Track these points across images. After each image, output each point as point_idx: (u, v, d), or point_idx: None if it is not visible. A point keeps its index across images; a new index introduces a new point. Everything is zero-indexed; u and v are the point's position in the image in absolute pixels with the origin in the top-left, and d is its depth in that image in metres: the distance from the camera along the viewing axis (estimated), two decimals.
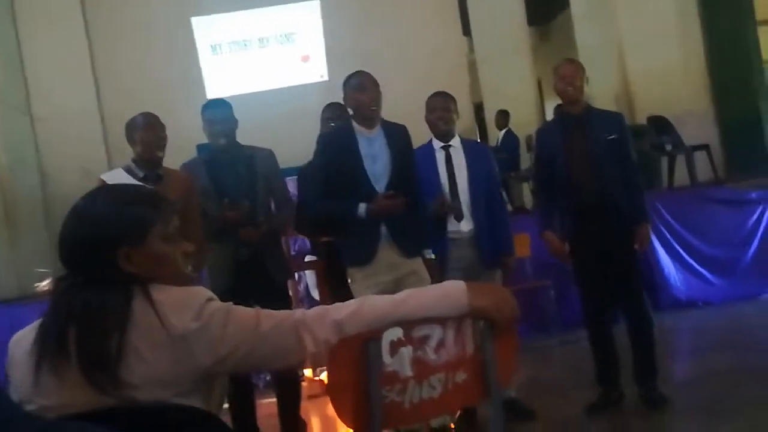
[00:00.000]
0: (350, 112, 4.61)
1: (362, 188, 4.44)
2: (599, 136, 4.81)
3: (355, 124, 4.55)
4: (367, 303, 1.84)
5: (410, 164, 4.65)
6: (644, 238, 4.86)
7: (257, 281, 4.58)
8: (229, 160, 4.74)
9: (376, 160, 4.50)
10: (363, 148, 4.50)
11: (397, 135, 4.60)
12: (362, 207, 4.39)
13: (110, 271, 1.75)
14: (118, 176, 4.39)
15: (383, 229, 4.45)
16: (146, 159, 4.43)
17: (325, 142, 4.67)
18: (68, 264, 1.78)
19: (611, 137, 4.80)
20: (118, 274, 1.75)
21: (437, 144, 4.94)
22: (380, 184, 4.47)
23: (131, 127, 4.50)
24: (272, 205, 4.87)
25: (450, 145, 4.94)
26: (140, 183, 4.21)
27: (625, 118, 5.37)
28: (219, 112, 4.75)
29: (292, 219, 5.04)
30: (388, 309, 1.81)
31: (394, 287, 4.21)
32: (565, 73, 4.88)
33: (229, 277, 4.61)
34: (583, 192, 4.81)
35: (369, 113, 4.50)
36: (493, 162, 5.18)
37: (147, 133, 4.44)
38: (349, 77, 4.58)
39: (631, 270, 4.86)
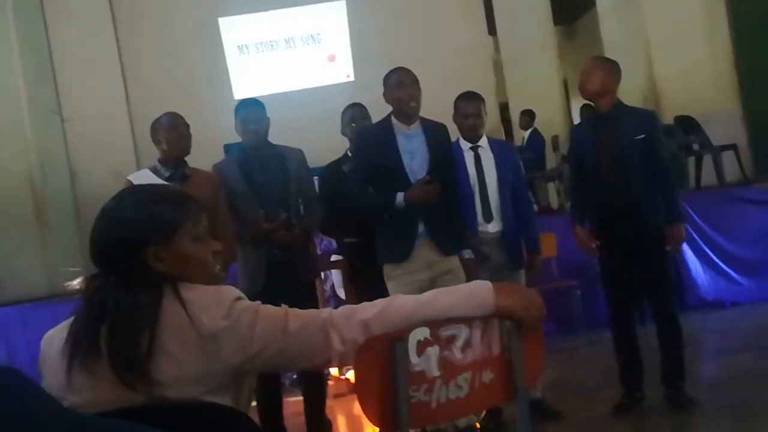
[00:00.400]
0: (390, 108, 4.63)
1: (400, 183, 4.46)
2: (627, 135, 4.73)
3: (394, 120, 4.58)
4: (394, 303, 1.85)
5: (449, 163, 4.67)
6: (676, 239, 4.78)
7: (287, 281, 4.61)
8: (262, 159, 4.77)
9: (414, 156, 4.52)
10: (401, 144, 4.52)
11: (436, 132, 4.62)
12: (400, 196, 4.41)
13: (140, 270, 1.78)
14: (145, 176, 4.43)
15: (421, 227, 4.47)
16: (171, 158, 4.48)
17: (364, 137, 4.69)
18: (99, 263, 1.81)
19: (640, 137, 4.72)
20: (148, 273, 1.77)
21: (465, 145, 4.95)
22: (419, 177, 4.48)
23: (156, 128, 4.55)
24: (301, 206, 4.90)
25: (479, 146, 4.94)
26: (166, 183, 4.25)
27: (658, 116, 5.29)
28: (253, 111, 4.78)
29: (321, 219, 5.07)
30: (415, 309, 1.82)
31: (430, 285, 4.22)
32: (584, 68, 4.85)
33: (262, 279, 4.65)
34: (608, 192, 4.77)
35: (408, 109, 4.52)
36: (519, 161, 5.19)
37: (171, 133, 4.49)
38: (389, 74, 4.60)
39: (660, 272, 4.79)
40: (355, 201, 4.65)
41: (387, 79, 4.60)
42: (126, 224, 1.80)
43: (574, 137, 5.17)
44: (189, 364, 1.69)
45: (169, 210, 1.85)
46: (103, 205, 1.86)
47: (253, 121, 4.76)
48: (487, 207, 4.87)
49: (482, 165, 4.91)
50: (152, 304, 1.71)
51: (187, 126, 4.59)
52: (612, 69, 4.85)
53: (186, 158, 4.57)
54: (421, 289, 3.88)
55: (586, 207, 4.95)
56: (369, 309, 1.81)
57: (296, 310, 1.81)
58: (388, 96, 4.58)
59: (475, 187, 4.88)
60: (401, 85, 4.51)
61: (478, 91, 5.04)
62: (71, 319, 1.78)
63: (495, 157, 4.94)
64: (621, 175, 4.74)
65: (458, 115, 4.94)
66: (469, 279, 4.47)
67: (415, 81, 4.54)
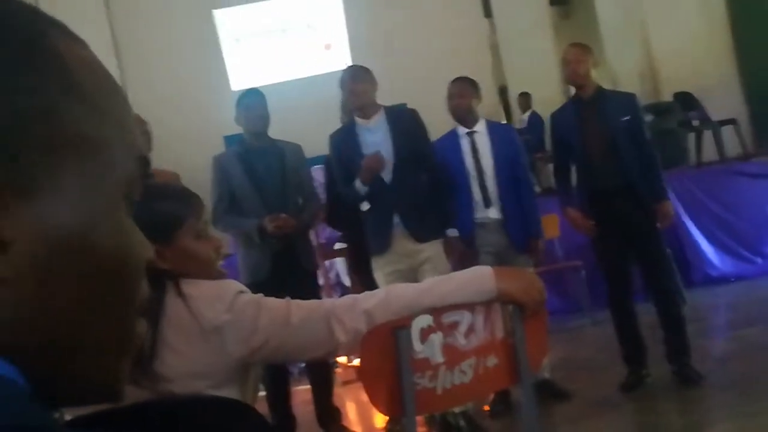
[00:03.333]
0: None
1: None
2: (613, 118, 4.82)
3: (356, 117, 4.70)
4: (395, 291, 1.86)
5: (419, 145, 4.70)
6: (666, 216, 4.85)
7: (290, 272, 4.62)
8: (262, 153, 4.78)
9: (378, 148, 4.57)
10: (365, 138, 4.61)
11: (400, 119, 4.70)
12: (357, 181, 4.53)
13: None
14: None
15: (396, 218, 4.53)
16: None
17: (333, 140, 4.82)
18: None
19: (625, 119, 4.82)
20: (151, 271, 1.77)
21: (462, 130, 4.96)
22: (385, 171, 4.56)
23: None
24: (299, 199, 4.91)
25: (474, 131, 4.95)
26: None
27: (639, 98, 5.36)
28: (257, 100, 4.80)
29: (319, 213, 5.10)
30: (416, 296, 1.83)
31: (411, 275, 4.36)
32: (568, 58, 4.93)
33: (265, 270, 4.65)
34: (600, 174, 4.83)
35: (353, 104, 4.67)
36: (519, 144, 5.20)
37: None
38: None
39: (655, 250, 4.86)
40: (342, 197, 4.80)
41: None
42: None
43: (555, 123, 5.20)
44: (193, 359, 1.70)
45: (171, 208, 1.85)
46: None
47: (258, 108, 4.77)
48: (485, 193, 4.88)
49: (478, 151, 4.91)
50: (154, 301, 1.71)
51: (145, 122, 4.52)
52: (593, 55, 4.97)
53: (183, 148, 4.57)
54: (402, 279, 3.99)
55: (572, 188, 5.04)
56: (371, 298, 1.82)
57: (298, 301, 1.82)
58: (342, 96, 4.77)
59: (473, 173, 4.88)
60: (343, 83, 4.67)
61: (476, 74, 5.06)
62: None
63: (492, 141, 4.94)
64: (613, 156, 4.80)
65: (447, 98, 4.98)
66: (455, 260, 4.54)
67: (357, 75, 4.66)
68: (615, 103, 4.92)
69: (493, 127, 5.07)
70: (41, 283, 0.54)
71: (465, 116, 4.94)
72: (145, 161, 0.64)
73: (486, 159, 4.91)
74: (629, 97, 5.16)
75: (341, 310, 1.79)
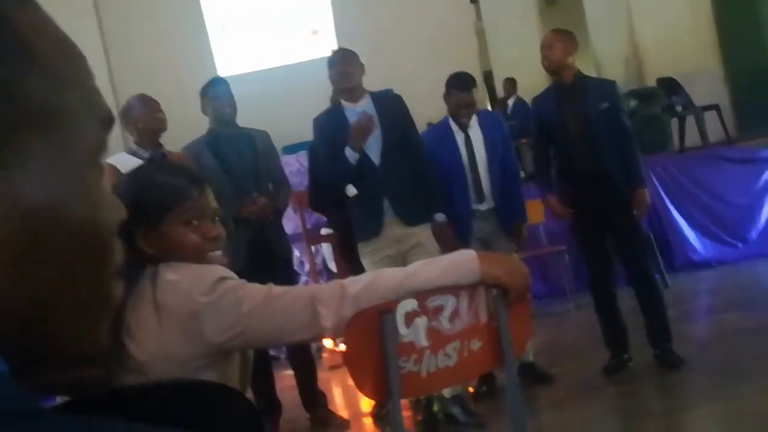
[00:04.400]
0: None
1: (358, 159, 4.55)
2: (592, 105, 4.84)
3: (342, 100, 4.71)
4: (381, 275, 1.87)
5: (408, 131, 4.73)
6: (642, 204, 4.87)
7: (266, 261, 4.62)
8: (232, 140, 4.79)
9: None
10: (352, 120, 4.57)
11: (387, 104, 4.72)
12: (347, 149, 4.48)
13: (127, 251, 1.79)
14: (124, 159, 4.43)
15: (386, 203, 4.54)
16: (148, 137, 4.51)
17: (318, 123, 4.80)
18: None
19: (604, 106, 4.83)
20: (134, 254, 1.77)
21: (455, 125, 4.97)
22: (374, 155, 4.57)
23: (128, 111, 4.57)
24: (270, 186, 4.92)
25: (469, 126, 4.96)
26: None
27: (620, 86, 5.40)
28: (225, 89, 4.83)
29: (289, 199, 5.13)
30: (402, 280, 1.84)
31: (400, 260, 4.34)
32: (542, 43, 4.97)
33: (242, 258, 4.65)
34: (578, 160, 4.86)
35: (339, 86, 4.69)
36: (505, 129, 5.25)
37: (146, 111, 4.56)
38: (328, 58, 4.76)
39: (632, 236, 4.90)
40: (327, 177, 4.77)
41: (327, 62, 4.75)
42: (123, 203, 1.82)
43: (536, 108, 5.24)
44: (169, 344, 1.71)
45: (160, 194, 1.85)
46: None
47: (229, 96, 4.81)
48: (479, 188, 4.91)
49: (473, 146, 4.93)
50: (130, 283, 1.70)
51: (158, 103, 4.61)
52: (570, 40, 4.94)
53: (170, 136, 4.58)
54: (391, 264, 3.99)
55: (553, 175, 5.06)
56: (356, 283, 1.82)
57: (282, 287, 1.82)
58: (330, 79, 4.75)
59: (467, 168, 4.91)
60: (331, 65, 4.66)
61: (462, 60, 5.09)
62: None
63: (484, 134, 4.96)
64: (590, 143, 4.82)
65: (450, 101, 4.95)
66: (441, 244, 4.56)
67: (346, 57, 4.68)
68: (594, 90, 4.93)
69: (483, 117, 5.09)
70: (16, 255, 0.55)
71: (468, 117, 4.95)
72: (111, 119, 0.63)
73: (480, 154, 4.92)
74: (609, 85, 5.19)
75: (326, 295, 1.79)
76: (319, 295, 1.79)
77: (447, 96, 4.96)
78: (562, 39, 4.91)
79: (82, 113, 0.60)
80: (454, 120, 4.97)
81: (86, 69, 0.62)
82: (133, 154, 4.48)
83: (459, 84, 4.93)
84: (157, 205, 1.83)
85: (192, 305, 1.72)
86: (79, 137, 0.59)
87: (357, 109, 4.61)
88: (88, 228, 0.59)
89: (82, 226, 0.58)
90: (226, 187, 4.67)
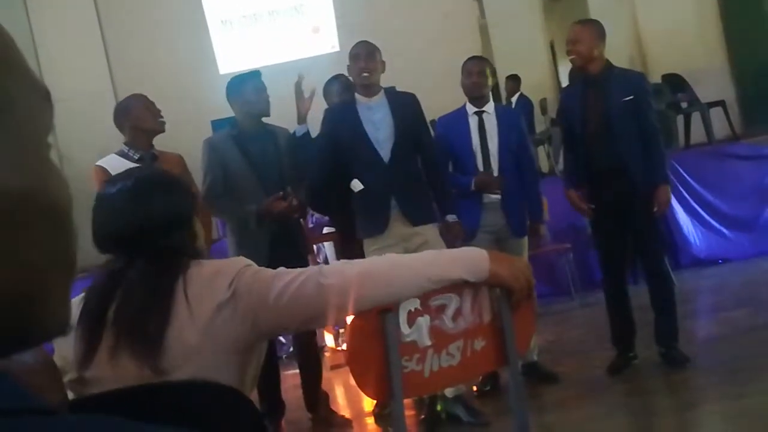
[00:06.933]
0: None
1: (366, 155, 4.52)
2: (615, 97, 4.74)
3: (357, 94, 4.65)
4: (390, 257, 1.90)
5: (421, 131, 4.70)
6: (663, 201, 4.77)
7: (287, 257, 4.57)
8: (256, 135, 4.72)
9: (378, 127, 4.55)
10: (365, 115, 4.56)
11: (401, 102, 4.66)
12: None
13: (167, 249, 1.81)
14: (114, 161, 4.40)
15: (393, 200, 4.49)
16: (145, 137, 4.49)
17: (328, 115, 4.74)
18: (122, 246, 1.82)
19: (627, 98, 4.71)
20: (167, 252, 1.81)
21: (470, 109, 4.95)
22: (384, 150, 4.52)
23: (124, 110, 4.54)
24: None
25: (483, 111, 4.94)
26: (137, 165, 4.22)
27: (646, 78, 5.29)
28: (262, 83, 4.75)
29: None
30: (410, 262, 1.85)
31: None
32: (569, 37, 4.85)
33: (265, 252, 4.58)
34: (597, 154, 4.79)
35: (360, 80, 4.59)
36: (524, 128, 5.19)
37: (145, 110, 4.52)
38: (351, 48, 4.68)
39: (650, 232, 4.82)
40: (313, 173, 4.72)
41: (349, 53, 4.68)
42: (170, 204, 1.85)
43: (563, 100, 5.18)
44: (196, 338, 1.70)
45: (185, 196, 1.92)
46: (117, 190, 1.84)
47: (265, 90, 4.74)
48: (489, 172, 4.87)
49: (486, 130, 4.91)
50: (164, 284, 1.74)
51: (154, 104, 4.58)
52: (597, 31, 4.82)
53: (172, 133, 4.55)
54: None
55: (578, 169, 4.96)
56: (361, 263, 1.84)
57: (290, 269, 1.81)
58: (349, 70, 4.68)
59: (478, 151, 4.88)
60: (356, 58, 4.60)
61: (464, 57, 5.06)
62: (83, 296, 1.79)
63: (499, 123, 4.93)
64: (608, 137, 4.74)
65: (464, 76, 4.94)
66: (449, 242, 4.52)
67: (371, 52, 4.60)
68: (620, 82, 4.79)
69: (500, 110, 5.08)
70: None
71: (480, 95, 4.92)
72: (50, 95, 0.64)
73: (492, 139, 4.90)
74: (636, 77, 5.04)
75: (331, 272, 1.78)
76: (323, 272, 1.78)
77: (462, 77, 4.95)
78: (587, 30, 4.80)
79: (27, 94, 0.60)
80: (470, 102, 4.96)
81: (17, 48, 0.62)
82: (123, 155, 4.45)
83: (470, 58, 5.02)
84: (190, 205, 1.91)
85: (218, 298, 1.72)
86: (30, 118, 0.60)
87: (371, 105, 4.58)
88: (55, 203, 0.61)
89: (49, 202, 0.60)
90: (252, 183, 4.63)
